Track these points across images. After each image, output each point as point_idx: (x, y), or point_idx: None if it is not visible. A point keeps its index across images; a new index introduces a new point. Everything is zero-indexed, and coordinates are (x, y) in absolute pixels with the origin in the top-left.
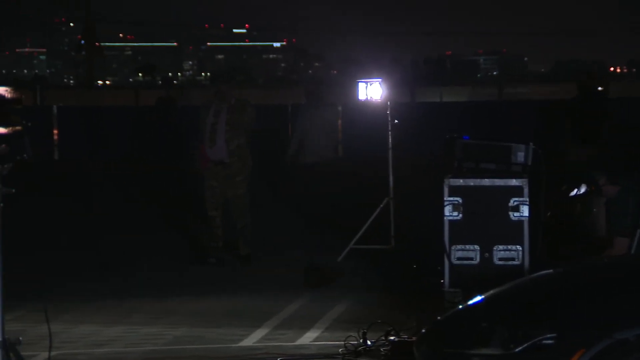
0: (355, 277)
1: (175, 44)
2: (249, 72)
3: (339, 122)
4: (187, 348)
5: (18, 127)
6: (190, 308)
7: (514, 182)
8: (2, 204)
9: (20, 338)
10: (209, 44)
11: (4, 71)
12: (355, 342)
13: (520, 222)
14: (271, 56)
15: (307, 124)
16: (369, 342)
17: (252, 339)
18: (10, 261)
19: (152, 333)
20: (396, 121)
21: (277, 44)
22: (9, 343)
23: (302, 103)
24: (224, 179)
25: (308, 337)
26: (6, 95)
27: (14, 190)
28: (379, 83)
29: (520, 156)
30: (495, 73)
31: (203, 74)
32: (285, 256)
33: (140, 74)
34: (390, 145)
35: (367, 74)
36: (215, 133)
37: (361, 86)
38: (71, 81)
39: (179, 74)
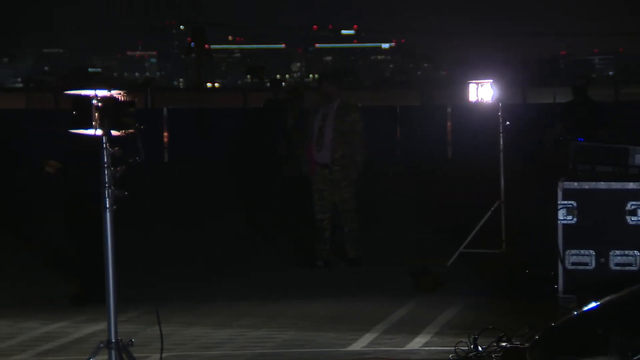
0: (465, 281)
1: (283, 45)
2: (357, 74)
3: (448, 123)
4: (296, 352)
5: (131, 130)
6: (298, 311)
7: (631, 185)
8: (115, 207)
9: (133, 340)
10: (317, 45)
11: (115, 74)
12: (466, 348)
13: (637, 227)
14: (379, 57)
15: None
16: (480, 348)
17: (361, 343)
18: (123, 262)
19: (261, 336)
20: (507, 123)
21: (385, 45)
22: (122, 344)
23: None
24: (331, 183)
25: (417, 342)
26: (120, 98)
27: (127, 193)
28: (490, 84)
29: (638, 159)
30: (611, 73)
31: (311, 75)
32: (394, 260)
33: (248, 76)
34: (501, 147)
35: (478, 75)
36: (322, 137)
37: (472, 87)
38: (181, 84)
39: (287, 75)
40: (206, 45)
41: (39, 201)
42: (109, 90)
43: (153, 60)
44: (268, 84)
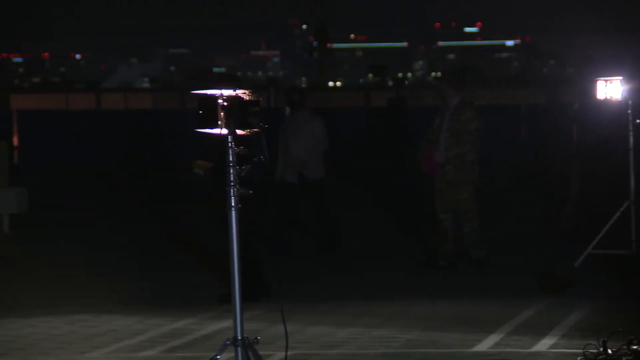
0: (593, 283)
1: (405, 44)
2: (480, 72)
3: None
4: (420, 352)
5: (256, 130)
6: (421, 311)
7: None
8: (240, 205)
9: (258, 337)
10: (439, 43)
11: (239, 73)
12: (595, 351)
13: None
14: (503, 55)
15: (289, 138)
16: (609, 351)
17: (486, 345)
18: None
19: (384, 336)
20: (638, 121)
21: (509, 43)
22: (248, 342)
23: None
24: (449, 182)
25: (544, 344)
26: (245, 97)
27: (251, 192)
28: (620, 81)
29: None
30: None
31: (433, 73)
32: (518, 260)
33: (370, 75)
34: (631, 146)
35: (606, 72)
36: (439, 135)
37: (600, 85)
38: (303, 83)
39: (409, 74)
40: (328, 44)
41: (171, 199)
42: (235, 90)
43: (276, 59)
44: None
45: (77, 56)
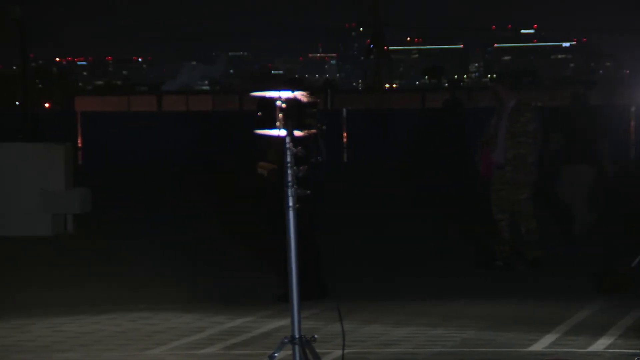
0: None
1: (461, 46)
2: (536, 73)
3: (632, 123)
4: (476, 351)
5: (313, 131)
6: (477, 311)
7: None
8: (297, 205)
9: (315, 336)
10: (495, 45)
11: (297, 76)
12: None
13: None
14: (560, 56)
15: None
16: None
17: (542, 344)
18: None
19: (440, 335)
20: None
21: (566, 44)
22: (305, 340)
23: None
24: (507, 184)
25: (601, 344)
26: (302, 99)
27: (309, 192)
28: None
29: None
30: None
31: (489, 75)
32: (572, 260)
33: (426, 77)
34: None
35: None
36: (496, 137)
37: None
38: (359, 85)
39: (464, 76)
40: (385, 47)
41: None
42: (293, 92)
43: (333, 62)
44: (446, 84)
45: (139, 59)
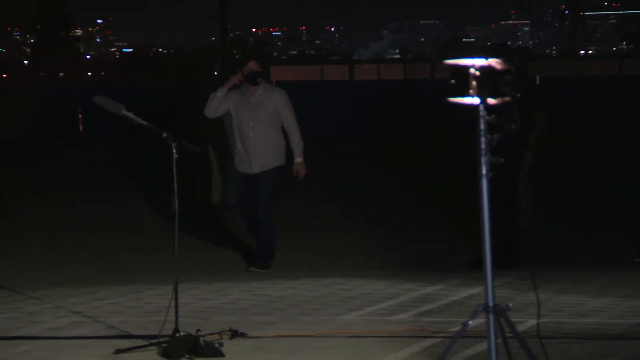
0: None
1: None
2: None
3: None
4: None
5: (507, 98)
6: None
7: None
8: (490, 174)
9: (510, 304)
10: None
11: (489, 44)
12: None
13: None
14: None
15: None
16: None
17: None
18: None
19: (637, 306)
20: None
21: None
22: (499, 309)
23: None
24: None
25: None
26: (497, 67)
27: (502, 160)
28: None
29: None
30: None
31: None
32: None
33: (624, 43)
34: None
35: None
36: None
37: None
38: (554, 52)
39: None
40: (580, 12)
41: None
42: (487, 59)
43: (526, 28)
44: None
45: (332, 29)
